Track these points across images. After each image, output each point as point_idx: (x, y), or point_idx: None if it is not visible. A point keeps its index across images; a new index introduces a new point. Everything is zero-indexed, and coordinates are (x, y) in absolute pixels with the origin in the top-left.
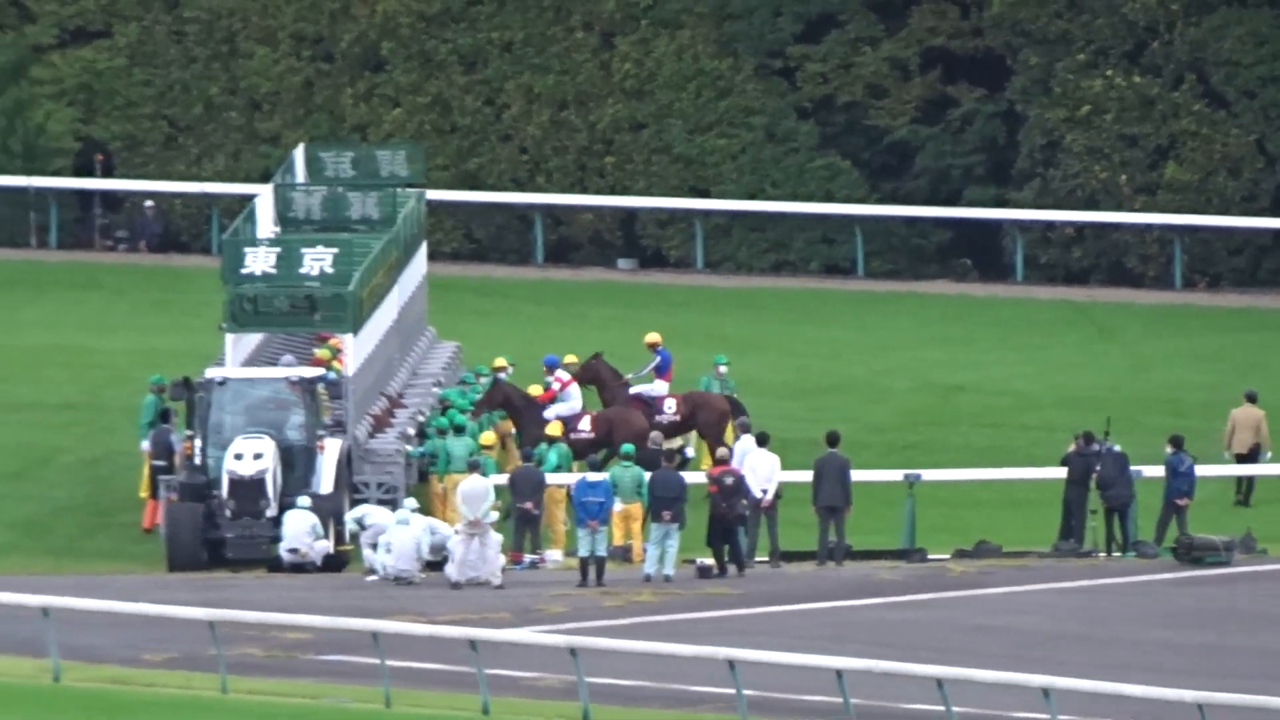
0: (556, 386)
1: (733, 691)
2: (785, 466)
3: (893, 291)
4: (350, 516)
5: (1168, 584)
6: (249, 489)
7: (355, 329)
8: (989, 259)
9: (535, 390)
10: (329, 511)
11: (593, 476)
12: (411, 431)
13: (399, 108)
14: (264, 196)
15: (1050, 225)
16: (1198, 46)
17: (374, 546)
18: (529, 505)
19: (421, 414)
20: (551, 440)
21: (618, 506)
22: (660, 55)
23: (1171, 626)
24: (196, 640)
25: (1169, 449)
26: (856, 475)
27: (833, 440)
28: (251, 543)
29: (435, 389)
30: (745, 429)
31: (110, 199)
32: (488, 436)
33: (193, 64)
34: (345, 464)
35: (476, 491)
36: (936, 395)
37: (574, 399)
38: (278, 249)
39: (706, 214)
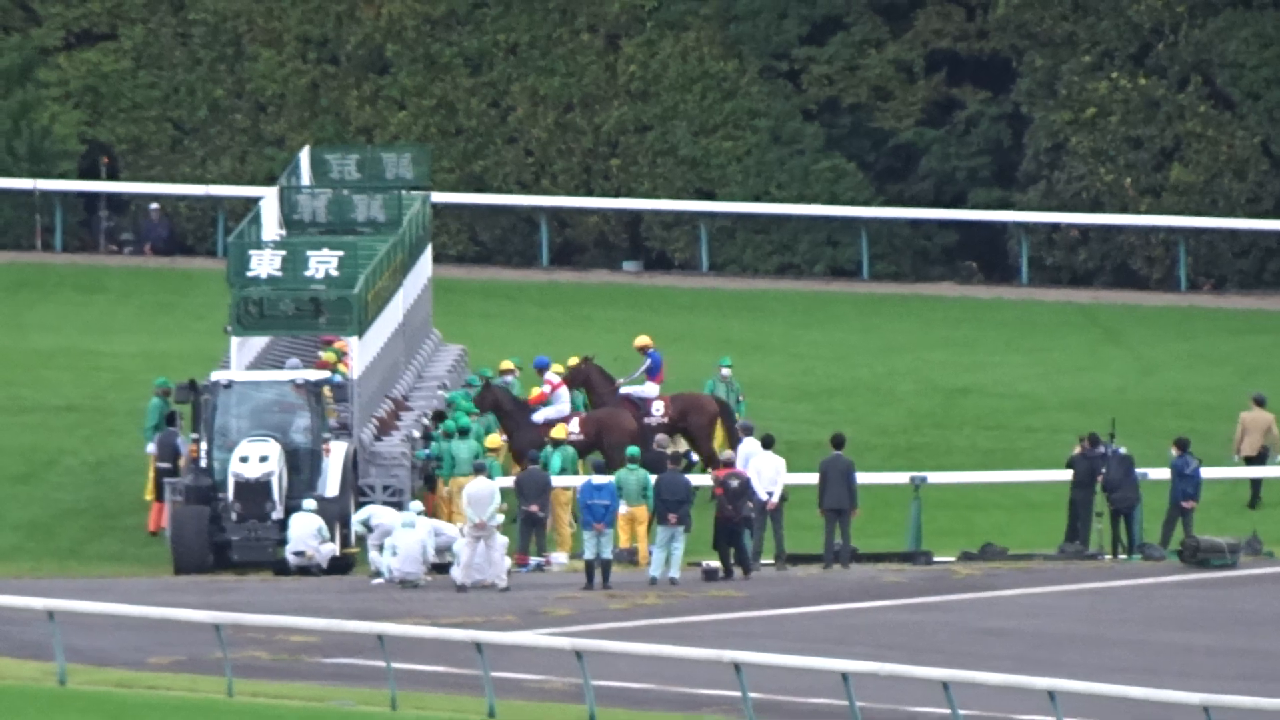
0: (547, 389)
1: (738, 694)
2: (791, 469)
3: (898, 294)
4: (357, 519)
5: (1173, 586)
6: (255, 492)
7: (360, 332)
8: (994, 261)
9: (536, 392)
10: (335, 514)
11: (598, 479)
12: (417, 434)
13: (404, 110)
14: (269, 199)
15: (1055, 227)
16: (1203, 48)
17: (380, 549)
18: (534, 508)
19: (426, 416)
20: (556, 443)
21: (623, 509)
22: (665, 57)
23: (1177, 629)
24: (202, 643)
25: (1174, 451)
26: (862, 478)
27: (838, 443)
28: (257, 545)
29: (440, 392)
30: (748, 432)
31: (116, 201)
32: (493, 439)
33: (198, 66)
34: (351, 467)
35: (482, 494)
36: (942, 397)
37: (563, 401)
38: (283, 252)
39: (712, 216)
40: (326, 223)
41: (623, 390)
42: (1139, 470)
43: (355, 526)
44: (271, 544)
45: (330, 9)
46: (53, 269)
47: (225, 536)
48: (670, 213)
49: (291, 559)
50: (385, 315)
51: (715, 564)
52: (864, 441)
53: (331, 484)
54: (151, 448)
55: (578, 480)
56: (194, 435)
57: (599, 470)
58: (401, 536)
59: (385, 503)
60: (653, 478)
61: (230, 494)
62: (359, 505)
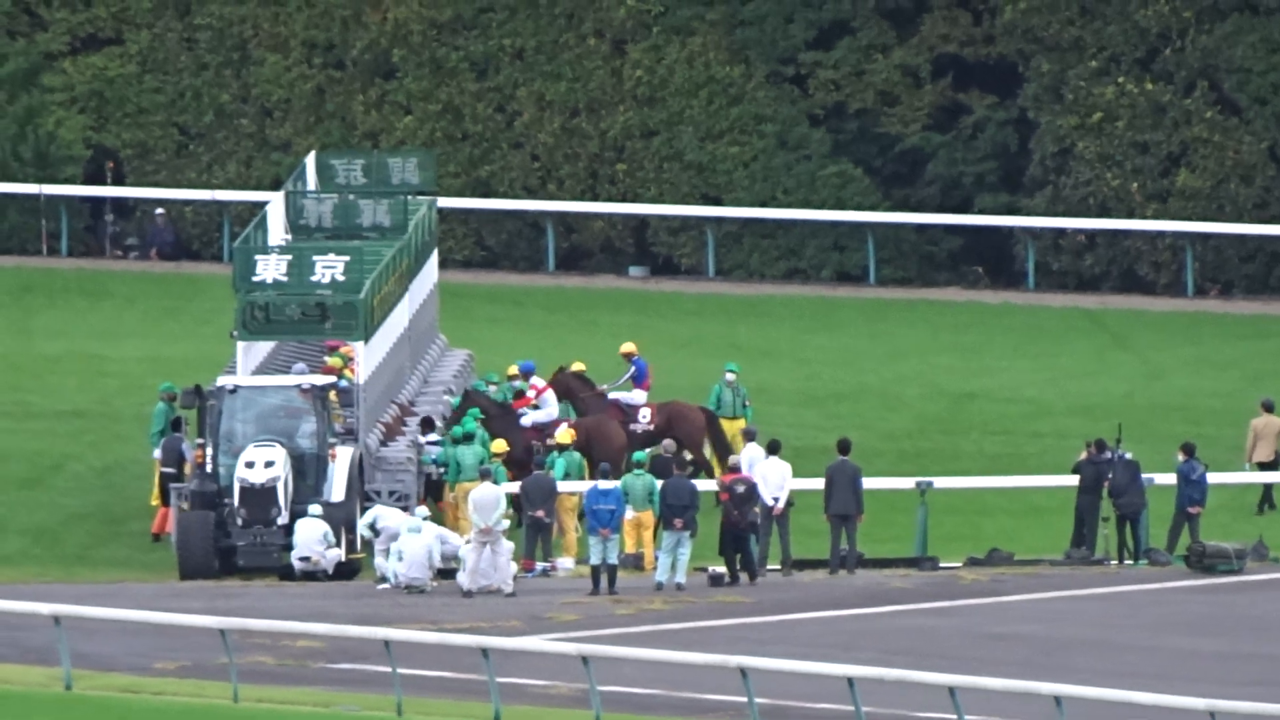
0: (532, 394)
1: (744, 699)
2: (797, 474)
3: (904, 299)
4: (362, 523)
5: (1180, 592)
6: (260, 497)
7: (366, 337)
8: (1001, 266)
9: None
10: (340, 519)
11: (604, 484)
12: (423, 440)
13: (410, 115)
14: (275, 204)
15: (1062, 232)
16: (1210, 54)
17: (385, 554)
18: (540, 513)
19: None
20: (561, 448)
21: (629, 514)
22: (672, 62)
23: (1183, 634)
24: (208, 649)
25: (1181, 457)
26: (868, 483)
27: (844, 448)
28: (263, 551)
29: (446, 397)
30: (750, 437)
31: (121, 206)
32: (499, 444)
33: (204, 71)
34: (357, 472)
35: (488, 500)
36: (948, 403)
37: (550, 406)
38: (289, 257)
39: (718, 221)
40: (332, 228)
41: (611, 396)
42: (1145, 475)
43: (361, 530)
44: (277, 549)
45: (336, 14)
46: (58, 274)
47: (231, 542)
48: (676, 218)
49: (297, 564)
50: (391, 320)
51: (721, 569)
52: (871, 447)
53: (337, 489)
54: (157, 453)
55: (583, 485)
56: (199, 440)
57: (605, 476)
58: (407, 542)
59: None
60: (659, 483)
61: (236, 499)
62: (364, 510)
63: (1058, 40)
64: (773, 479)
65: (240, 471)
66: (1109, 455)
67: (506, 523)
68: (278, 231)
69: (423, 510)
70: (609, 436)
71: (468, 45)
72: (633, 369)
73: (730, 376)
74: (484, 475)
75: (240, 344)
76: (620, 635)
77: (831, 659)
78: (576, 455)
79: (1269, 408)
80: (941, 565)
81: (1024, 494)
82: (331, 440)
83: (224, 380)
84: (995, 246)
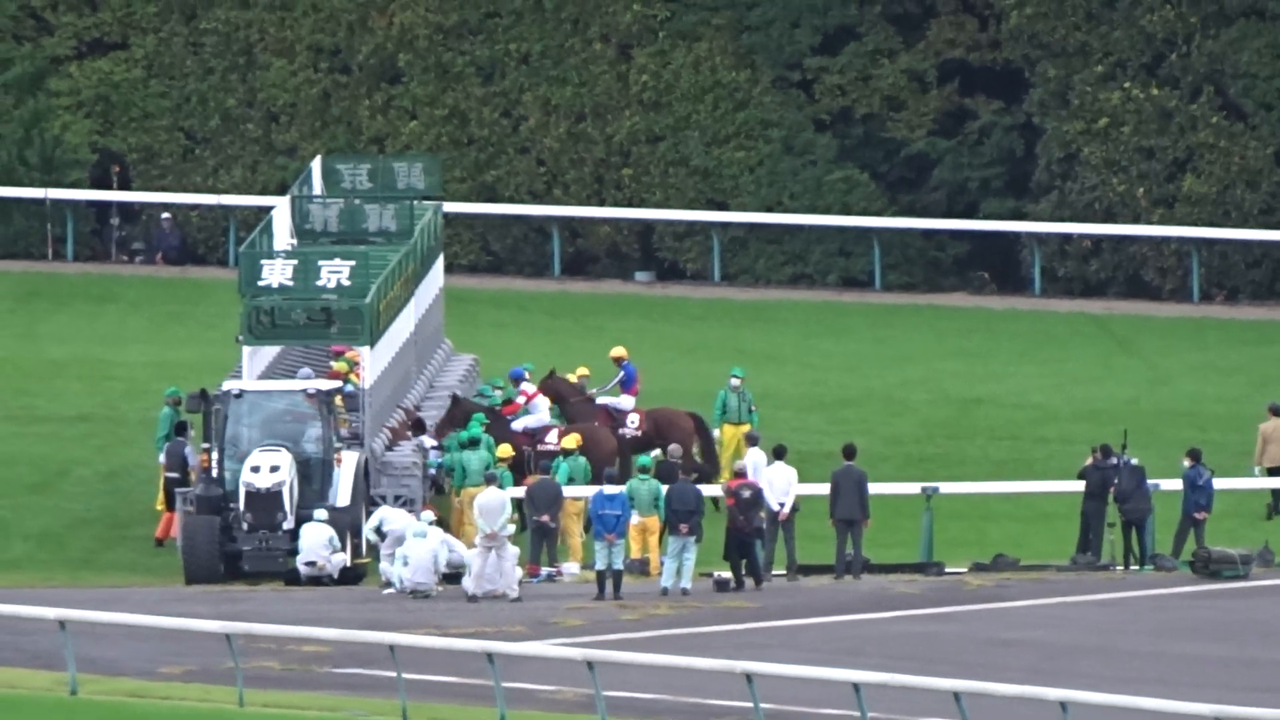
0: (521, 399)
1: (750, 705)
2: (803, 479)
3: (910, 304)
4: (368, 527)
5: (1185, 597)
6: (266, 502)
7: (372, 341)
8: (1007, 271)
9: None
10: (346, 524)
11: (610, 489)
12: (429, 444)
13: (416, 120)
14: (281, 208)
15: (1068, 238)
16: (1216, 59)
17: (391, 558)
18: (545, 518)
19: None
20: (566, 453)
21: (635, 519)
22: (678, 67)
23: (1189, 640)
24: (213, 653)
25: (1187, 462)
26: (874, 488)
27: (850, 453)
28: (268, 555)
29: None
30: (753, 442)
31: (127, 211)
32: (505, 449)
33: (210, 75)
34: (362, 476)
35: (493, 504)
36: (954, 408)
37: (541, 411)
38: (295, 261)
39: (724, 226)
40: (338, 232)
41: (599, 401)
42: (1151, 481)
43: (367, 533)
44: (282, 554)
45: (342, 18)
46: (64, 279)
47: (236, 546)
48: (682, 223)
49: (303, 569)
50: (397, 325)
51: (727, 575)
52: (876, 452)
53: (343, 494)
54: (163, 458)
55: (587, 490)
56: (205, 445)
57: (611, 481)
58: (413, 547)
59: None
60: (664, 488)
61: (241, 504)
62: (369, 515)
63: (1064, 46)
64: (778, 484)
65: (246, 476)
66: (1115, 461)
67: (512, 528)
68: (283, 236)
69: (428, 515)
70: (599, 442)
71: (473, 50)
72: (622, 374)
73: (735, 381)
74: (489, 480)
75: (246, 349)
76: (625, 640)
77: (837, 664)
78: (582, 460)
79: (1277, 411)
80: (947, 570)
81: (1030, 499)
82: (337, 445)
83: (229, 385)
84: (1001, 252)
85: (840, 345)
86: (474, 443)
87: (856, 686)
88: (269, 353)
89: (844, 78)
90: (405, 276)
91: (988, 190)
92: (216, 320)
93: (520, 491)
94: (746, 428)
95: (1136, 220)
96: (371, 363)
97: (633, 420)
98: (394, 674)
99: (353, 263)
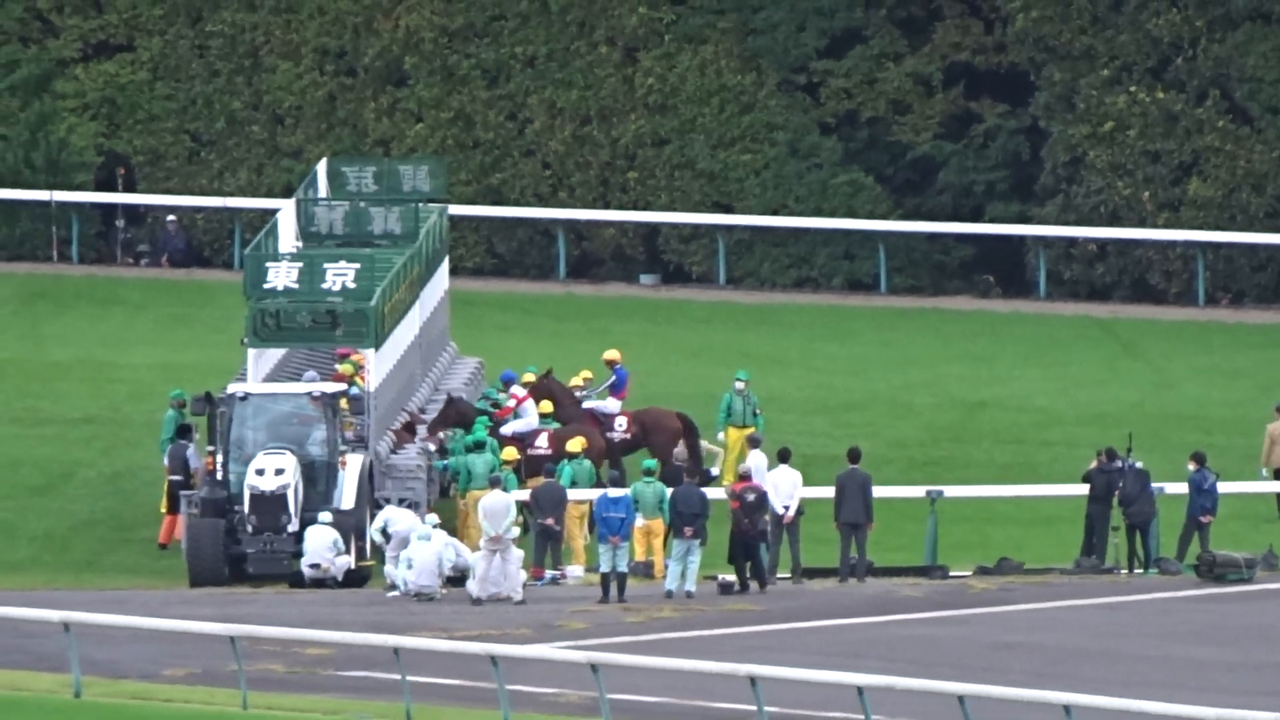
0: (512, 403)
1: (754, 708)
2: (808, 482)
3: (915, 307)
4: (374, 527)
5: (1189, 601)
6: (270, 504)
7: (377, 344)
8: (1012, 275)
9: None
10: (350, 527)
11: (614, 492)
12: (433, 447)
13: (422, 122)
14: (286, 211)
15: (1073, 241)
16: (1221, 63)
17: (395, 561)
18: (550, 521)
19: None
20: (571, 456)
21: (639, 522)
22: (683, 70)
23: (1193, 643)
24: (217, 655)
25: (1192, 466)
26: (879, 491)
27: (854, 456)
28: (273, 558)
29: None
30: (755, 444)
31: (132, 213)
32: (509, 452)
33: (215, 78)
34: (367, 479)
35: (498, 507)
36: (960, 411)
37: (530, 415)
38: (300, 264)
39: (729, 229)
40: (343, 235)
41: (586, 405)
42: (1156, 484)
43: (373, 534)
44: (287, 556)
45: (348, 21)
46: (69, 281)
47: (241, 549)
48: (688, 226)
49: (307, 571)
50: (402, 328)
51: (731, 578)
52: (882, 455)
53: (347, 496)
54: (166, 460)
55: (592, 494)
56: (210, 447)
57: (615, 483)
58: (417, 549)
59: None
60: (669, 490)
61: (246, 506)
62: (373, 517)
63: (1069, 49)
64: (783, 487)
65: (250, 479)
66: (1119, 464)
67: (517, 530)
68: (289, 239)
69: (433, 518)
70: (588, 443)
71: (479, 53)
72: (613, 377)
73: (740, 384)
74: (494, 483)
75: (251, 351)
76: (630, 643)
77: (841, 667)
78: (587, 464)
79: None
80: (951, 574)
81: (1034, 503)
82: (341, 448)
83: (234, 387)
84: (1006, 255)
85: (845, 348)
86: (480, 446)
87: (860, 690)
88: (274, 355)
89: (849, 81)
90: (410, 279)
91: (993, 194)
92: (222, 323)
93: (525, 494)
94: (751, 431)
95: (1142, 224)
96: (376, 365)
97: (620, 423)
98: (398, 677)
99: (358, 265)
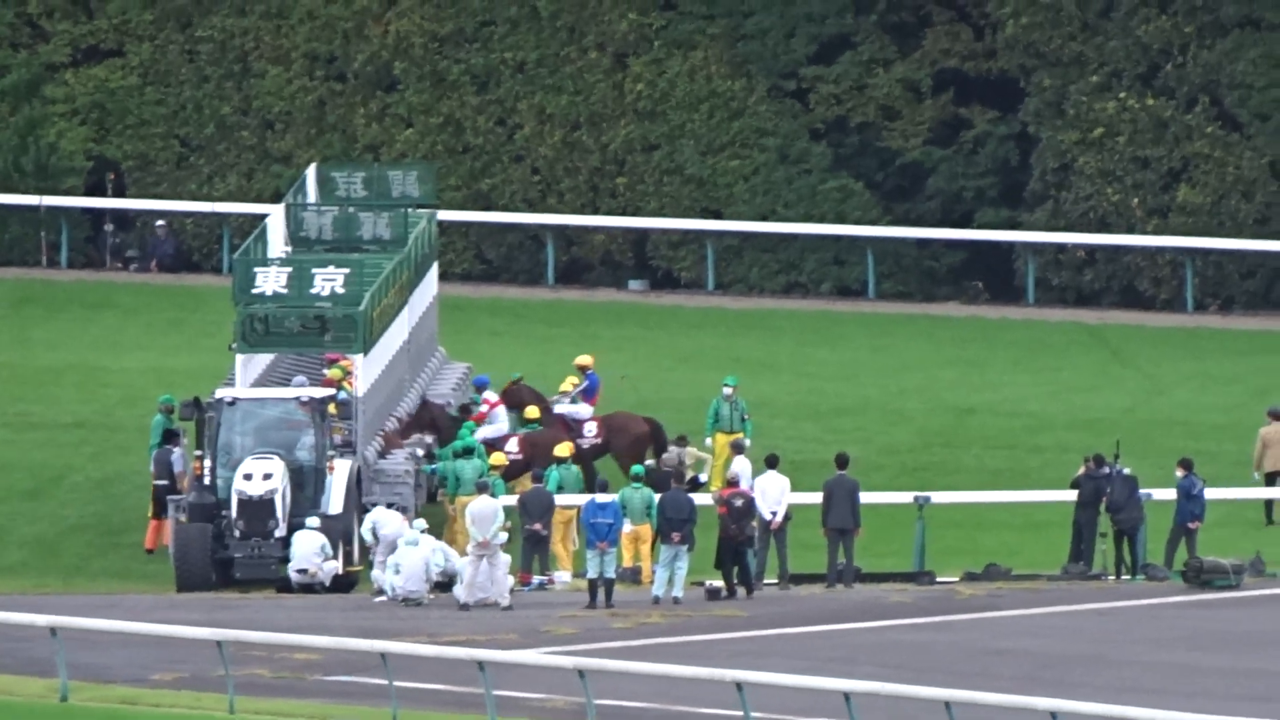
0: (485, 408)
1: (741, 714)
2: (798, 488)
3: (905, 313)
4: (364, 528)
5: (1177, 607)
6: (258, 509)
7: (366, 349)
8: (1001, 281)
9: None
10: (338, 532)
11: (602, 498)
12: (421, 453)
13: (411, 128)
14: (276, 216)
15: (1062, 248)
16: (1211, 69)
17: (383, 566)
18: (538, 526)
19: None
20: (559, 461)
21: (627, 528)
22: (673, 76)
23: (1181, 650)
24: (205, 660)
25: (1180, 472)
26: (867, 497)
27: (842, 462)
28: (260, 563)
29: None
30: (739, 450)
31: (122, 218)
32: (498, 458)
33: (205, 83)
34: (355, 484)
35: (485, 513)
36: (950, 417)
37: (501, 420)
38: (289, 269)
39: (718, 235)
40: (332, 240)
41: (557, 409)
42: (1145, 490)
43: (364, 533)
44: (274, 561)
45: (338, 26)
46: (59, 285)
47: (229, 554)
48: (677, 231)
49: (294, 576)
50: (390, 333)
51: (719, 583)
52: (872, 461)
53: (335, 501)
54: (152, 465)
55: (579, 499)
56: (198, 452)
57: (603, 489)
58: (405, 554)
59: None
60: (657, 496)
61: (234, 511)
62: (362, 523)
63: (1059, 55)
64: (771, 493)
65: (238, 483)
66: (1107, 470)
67: (504, 536)
68: (278, 244)
69: (420, 523)
70: (555, 448)
71: (469, 58)
72: (585, 383)
73: (728, 390)
74: (481, 488)
75: (239, 356)
76: (617, 649)
77: (828, 673)
78: (574, 469)
79: (1277, 416)
80: (939, 580)
81: (1024, 509)
82: (330, 453)
83: (223, 392)
84: (996, 261)
85: (835, 354)
86: (469, 451)
87: (847, 695)
88: (263, 360)
89: (839, 87)
90: (399, 284)
91: (982, 200)
92: (211, 328)
93: (513, 500)
94: (739, 436)
95: (1131, 230)
96: (365, 371)
97: (590, 429)
98: (385, 682)
99: (347, 270)
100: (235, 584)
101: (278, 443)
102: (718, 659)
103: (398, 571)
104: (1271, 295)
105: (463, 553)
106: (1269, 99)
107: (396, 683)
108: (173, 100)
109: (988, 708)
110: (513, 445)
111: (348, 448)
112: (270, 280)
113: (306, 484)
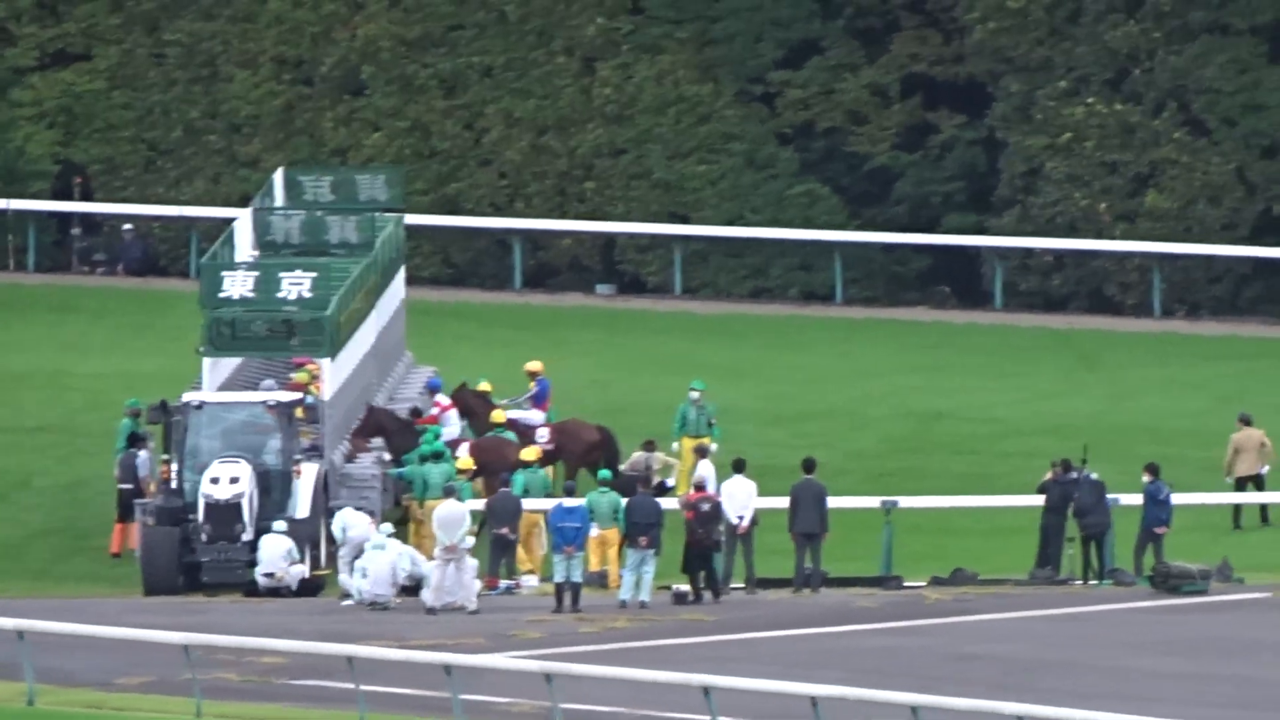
0: (436, 411)
1: (708, 718)
2: (763, 493)
3: (872, 318)
4: (335, 525)
5: (1145, 612)
6: (225, 513)
7: (333, 353)
8: (968, 286)
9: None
10: (305, 536)
11: (569, 502)
12: (388, 456)
13: (379, 132)
14: (243, 220)
15: (1030, 253)
16: (1179, 74)
17: (350, 569)
18: (505, 531)
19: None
20: (526, 464)
21: (594, 532)
22: (641, 81)
23: (1148, 655)
24: (171, 664)
25: (1146, 477)
26: (834, 502)
27: (809, 467)
28: (227, 567)
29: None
30: (703, 454)
31: (89, 222)
32: (465, 462)
33: (173, 87)
34: (322, 488)
35: (453, 517)
36: (916, 422)
37: (452, 424)
38: (256, 273)
39: (686, 240)
40: (300, 244)
41: (508, 415)
42: (1111, 496)
43: (334, 530)
44: (241, 565)
45: (306, 30)
46: (26, 289)
47: (195, 558)
48: (644, 236)
49: (261, 580)
50: (358, 337)
51: (685, 587)
52: (838, 466)
53: (302, 505)
54: (116, 470)
55: (545, 504)
56: (165, 456)
57: (569, 493)
58: (372, 559)
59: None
60: (624, 500)
61: (201, 515)
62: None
63: (1027, 60)
64: (738, 497)
65: (205, 487)
66: (1075, 475)
67: (472, 540)
68: (245, 248)
69: (387, 527)
70: (505, 455)
71: (437, 62)
72: (535, 388)
73: (695, 395)
74: (449, 493)
75: (206, 360)
76: (584, 653)
77: (795, 678)
78: (540, 473)
79: (1247, 421)
80: (906, 585)
81: (991, 514)
82: (297, 457)
83: (190, 396)
84: (963, 266)
85: (802, 359)
86: (437, 456)
87: (814, 700)
88: (230, 364)
89: (806, 92)
90: (367, 288)
91: (950, 204)
92: (178, 332)
93: (480, 504)
94: (705, 441)
95: (1099, 235)
96: (332, 375)
97: (542, 435)
98: (352, 685)
99: (314, 275)
100: (202, 588)
101: (245, 447)
102: (685, 663)
103: (365, 575)
104: (1238, 301)
105: (430, 557)
106: (1236, 104)
107: (363, 687)
108: (140, 104)
109: (955, 713)
110: (462, 451)
111: (315, 452)
112: (238, 284)
113: (273, 488)
